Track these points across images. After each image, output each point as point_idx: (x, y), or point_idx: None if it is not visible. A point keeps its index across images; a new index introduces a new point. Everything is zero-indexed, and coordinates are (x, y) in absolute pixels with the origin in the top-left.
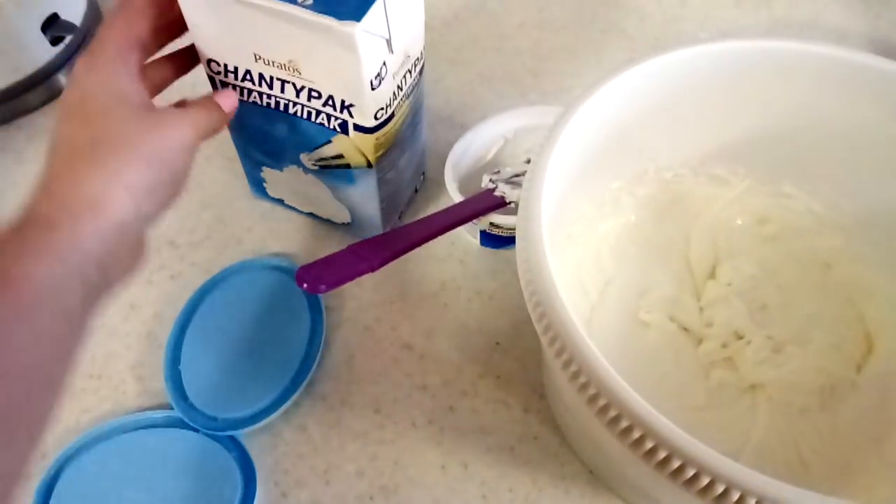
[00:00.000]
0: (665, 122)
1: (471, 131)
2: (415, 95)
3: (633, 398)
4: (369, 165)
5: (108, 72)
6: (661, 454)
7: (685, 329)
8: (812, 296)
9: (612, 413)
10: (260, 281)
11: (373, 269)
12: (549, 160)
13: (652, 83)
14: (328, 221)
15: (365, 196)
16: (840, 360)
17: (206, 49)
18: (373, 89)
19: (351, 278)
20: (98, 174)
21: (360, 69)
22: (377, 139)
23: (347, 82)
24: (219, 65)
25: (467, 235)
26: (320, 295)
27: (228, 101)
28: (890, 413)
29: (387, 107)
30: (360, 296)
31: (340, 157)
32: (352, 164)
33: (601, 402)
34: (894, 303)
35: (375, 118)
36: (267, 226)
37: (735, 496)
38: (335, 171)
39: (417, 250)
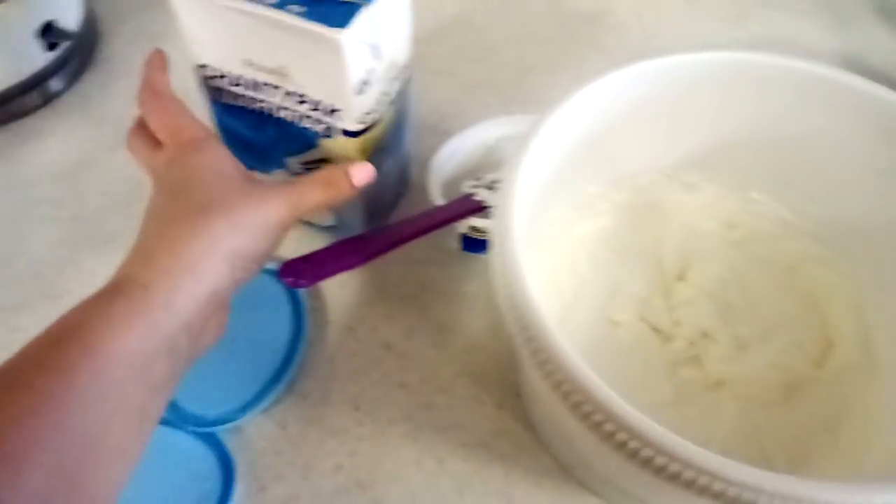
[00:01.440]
0: (639, 130)
1: (454, 138)
2: (401, 102)
3: (604, 392)
4: None
5: (211, 147)
6: (632, 445)
7: (655, 328)
8: (776, 297)
9: (586, 408)
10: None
11: (355, 266)
12: (523, 165)
13: (625, 92)
14: (312, 224)
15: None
16: (801, 357)
17: (198, 54)
18: (358, 94)
19: (333, 274)
20: (198, 241)
21: (345, 75)
22: (362, 144)
23: (334, 87)
24: (210, 70)
25: (448, 239)
26: (303, 296)
27: (363, 174)
28: (845, 406)
29: (372, 112)
30: (342, 297)
31: (326, 160)
32: None
33: (575, 397)
34: (853, 305)
35: (361, 123)
36: None
37: (703, 481)
38: None
39: (398, 254)
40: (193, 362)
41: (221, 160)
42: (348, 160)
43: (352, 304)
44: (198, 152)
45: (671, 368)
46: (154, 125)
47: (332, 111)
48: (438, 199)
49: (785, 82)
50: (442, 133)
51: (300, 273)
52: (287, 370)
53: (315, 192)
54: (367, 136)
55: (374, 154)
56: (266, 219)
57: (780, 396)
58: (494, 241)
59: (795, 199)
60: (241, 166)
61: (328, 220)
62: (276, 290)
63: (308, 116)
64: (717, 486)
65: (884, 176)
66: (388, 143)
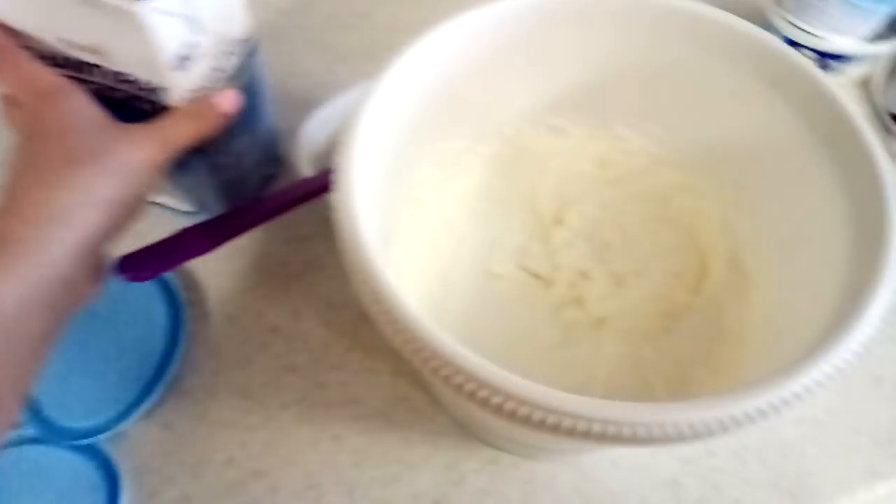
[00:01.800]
0: (497, 77)
1: (322, 108)
2: (246, 77)
3: (440, 340)
4: (196, 150)
5: (68, 94)
6: (476, 390)
7: (536, 275)
8: (652, 230)
9: (434, 363)
10: (112, 285)
11: (203, 253)
12: (362, 122)
13: (473, 39)
14: (180, 216)
15: (200, 181)
16: (679, 286)
17: (21, 36)
18: (179, 71)
19: (180, 262)
20: (67, 191)
21: (156, 50)
22: None
23: (150, 64)
24: (34, 52)
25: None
26: (179, 290)
27: (228, 101)
28: (721, 328)
29: (202, 89)
30: (221, 287)
31: None
32: None
33: (423, 354)
34: (724, 228)
35: (187, 99)
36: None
37: (546, 417)
38: None
39: (280, 232)
40: (73, 315)
41: (82, 106)
42: None
43: (233, 291)
44: (56, 100)
45: (555, 312)
46: (7, 82)
47: (157, 89)
48: (309, 172)
49: (635, 16)
50: (318, 106)
51: (140, 266)
52: (167, 369)
53: (182, 127)
54: None
55: (222, 132)
56: (135, 161)
57: (660, 327)
58: (335, 206)
59: (658, 132)
60: (103, 111)
61: (187, 206)
62: (148, 289)
63: (137, 97)
64: (551, 419)
65: (733, 98)
66: (236, 121)
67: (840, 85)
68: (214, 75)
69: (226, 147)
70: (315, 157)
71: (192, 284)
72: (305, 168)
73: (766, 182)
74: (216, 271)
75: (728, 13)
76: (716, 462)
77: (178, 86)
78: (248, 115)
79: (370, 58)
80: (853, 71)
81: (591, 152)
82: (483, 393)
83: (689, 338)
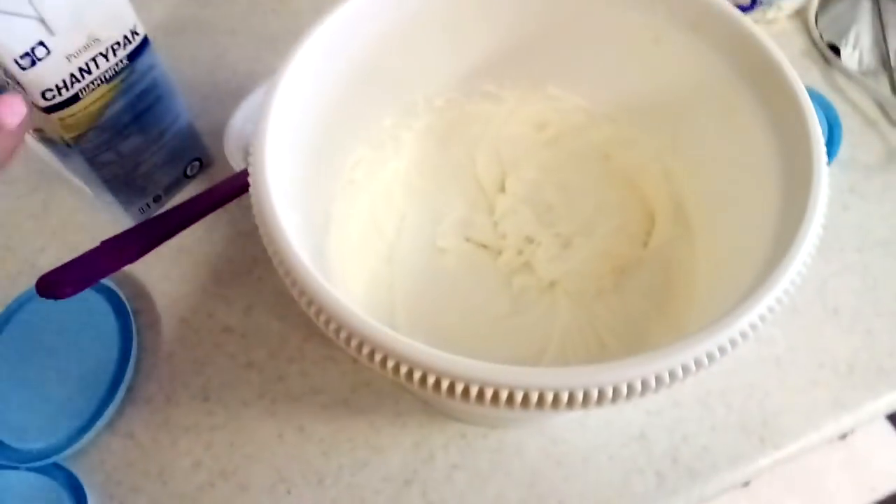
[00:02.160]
0: (415, 49)
1: (248, 98)
2: (131, 79)
3: (343, 307)
4: (68, 145)
5: None
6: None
7: (483, 246)
8: (595, 187)
9: (343, 334)
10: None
11: (128, 263)
12: (272, 113)
13: (385, 11)
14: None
15: (85, 174)
16: (626, 241)
17: None
18: (26, 69)
19: (104, 275)
20: None
21: None
22: (62, 120)
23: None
24: None
25: None
26: (124, 299)
27: (12, 110)
28: (668, 280)
29: (59, 89)
30: (169, 291)
31: (41, 130)
32: (55, 140)
33: (332, 325)
34: (665, 178)
35: (45, 98)
36: (62, 241)
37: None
38: (51, 144)
39: (224, 229)
40: None
41: None
42: (61, 136)
43: (181, 293)
44: None
45: (505, 281)
46: None
47: (17, 84)
48: (241, 165)
49: None
50: (245, 97)
51: (62, 283)
52: (121, 379)
53: None
54: (66, 112)
55: (93, 132)
56: None
57: (610, 285)
58: (252, 192)
59: (590, 88)
60: None
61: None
62: (95, 303)
63: (6, 85)
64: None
65: (657, 45)
66: (118, 121)
67: (776, 19)
68: (78, 76)
69: (107, 145)
70: (246, 150)
71: (138, 292)
72: (236, 161)
73: (699, 128)
74: (162, 275)
75: None
76: (681, 412)
77: (32, 85)
78: (145, 116)
79: (297, 42)
80: (789, 4)
81: (527, 114)
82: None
83: (640, 293)
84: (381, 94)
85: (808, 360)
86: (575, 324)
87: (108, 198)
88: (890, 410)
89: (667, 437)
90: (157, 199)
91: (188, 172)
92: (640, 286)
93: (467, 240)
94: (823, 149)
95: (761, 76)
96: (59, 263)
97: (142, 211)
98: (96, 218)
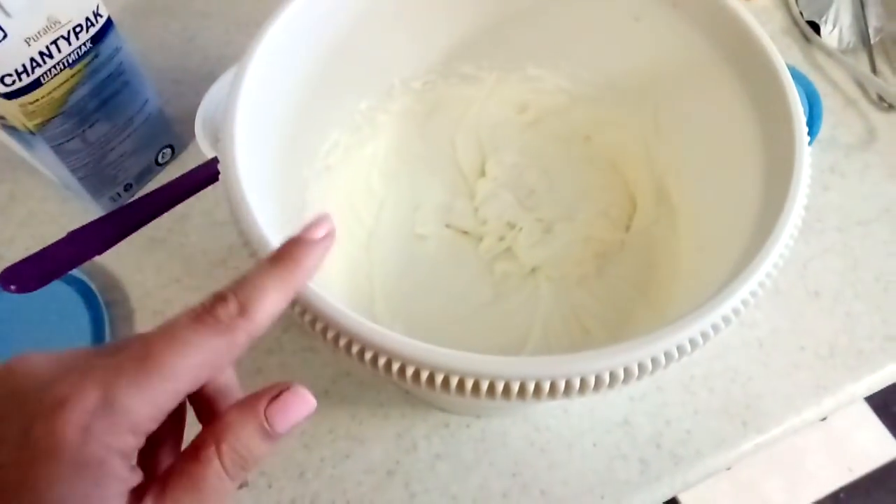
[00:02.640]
0: (392, 29)
1: (217, 82)
2: (95, 63)
3: (327, 303)
4: (32, 132)
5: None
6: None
7: (464, 232)
8: (576, 170)
9: (319, 325)
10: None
11: (97, 253)
12: (240, 99)
13: None
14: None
15: (51, 163)
16: (608, 225)
17: None
18: None
19: (70, 267)
20: None
21: None
22: (23, 107)
23: None
24: None
25: None
26: (97, 291)
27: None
28: (651, 264)
29: (19, 74)
30: (143, 282)
31: (3, 118)
32: (18, 128)
33: (297, 307)
34: (647, 159)
35: (4, 84)
36: (29, 233)
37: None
38: (14, 132)
39: (199, 219)
40: None
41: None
42: (21, 122)
43: (156, 286)
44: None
45: (486, 267)
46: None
47: None
48: (211, 152)
49: None
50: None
51: (23, 276)
52: None
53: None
54: (28, 98)
55: (58, 118)
56: None
57: (592, 269)
58: (222, 182)
59: (571, 68)
60: None
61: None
62: (66, 295)
63: None
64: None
65: (637, 22)
66: (82, 107)
67: None
68: (43, 60)
69: (72, 132)
70: (215, 136)
71: (112, 283)
72: (207, 148)
73: (681, 107)
74: (136, 267)
75: None
76: (665, 397)
77: None
78: (112, 101)
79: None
80: None
81: (507, 96)
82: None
83: (623, 277)
84: (355, 77)
85: (789, 342)
86: (557, 310)
87: (77, 187)
88: (869, 393)
89: (650, 423)
90: (127, 188)
91: (159, 160)
92: (623, 271)
93: (447, 226)
94: (805, 129)
95: (742, 54)
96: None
97: (112, 200)
98: (66, 207)
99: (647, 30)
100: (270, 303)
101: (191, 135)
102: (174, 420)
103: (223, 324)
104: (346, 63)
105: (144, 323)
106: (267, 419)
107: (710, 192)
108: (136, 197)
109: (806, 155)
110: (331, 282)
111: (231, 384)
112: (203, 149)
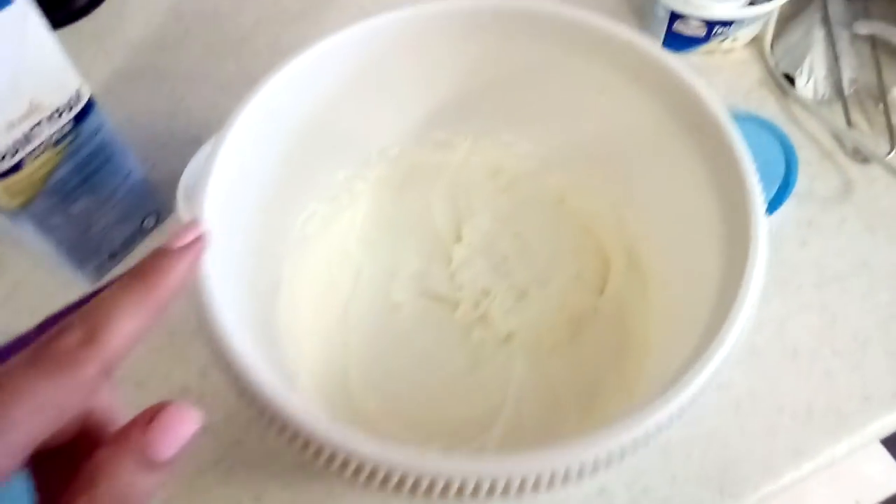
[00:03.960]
0: (371, 101)
1: (200, 150)
2: (77, 142)
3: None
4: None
5: None
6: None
7: (440, 299)
8: (550, 234)
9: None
10: None
11: None
12: (212, 174)
13: (331, 65)
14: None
15: (35, 238)
16: (582, 289)
17: None
18: None
19: None
20: None
21: None
22: (6, 188)
23: None
24: None
25: None
26: None
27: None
28: (624, 332)
29: (2, 157)
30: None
31: None
32: (1, 206)
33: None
34: (619, 225)
35: None
36: (15, 305)
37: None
38: None
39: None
40: None
41: None
42: (7, 203)
43: (138, 356)
44: None
45: (462, 335)
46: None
47: None
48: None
49: (491, 25)
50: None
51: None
52: None
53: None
54: (11, 180)
55: (41, 197)
56: None
57: (566, 335)
58: None
59: (543, 134)
60: None
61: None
62: None
63: None
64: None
65: (602, 95)
66: (65, 185)
67: (732, 49)
68: (22, 143)
69: (55, 208)
70: None
71: None
72: (188, 216)
73: (649, 174)
74: None
75: (579, 9)
76: (642, 463)
77: None
78: (89, 178)
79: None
80: (745, 33)
81: (482, 162)
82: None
83: (595, 345)
84: (332, 148)
85: (767, 404)
86: (530, 379)
87: (61, 259)
88: (849, 455)
89: (626, 491)
90: (112, 256)
91: (144, 225)
92: (596, 338)
93: (423, 293)
94: (761, 205)
95: (699, 127)
96: (11, 329)
97: (97, 269)
98: (52, 278)
99: (612, 102)
100: (126, 324)
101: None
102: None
103: (62, 359)
104: (323, 137)
105: (128, 394)
106: (146, 448)
107: (677, 261)
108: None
109: (762, 234)
110: (305, 354)
111: (112, 416)
112: (182, 217)
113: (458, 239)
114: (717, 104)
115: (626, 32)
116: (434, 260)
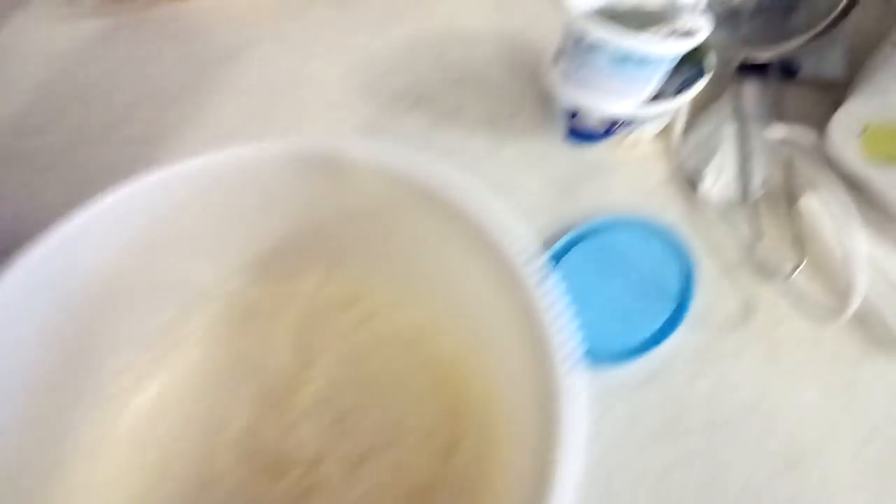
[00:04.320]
0: (196, 234)
1: None
2: None
3: None
4: None
5: None
6: None
7: (267, 467)
8: (400, 383)
9: None
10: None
11: None
12: None
13: (156, 200)
14: None
15: None
16: (430, 450)
17: None
18: None
19: None
20: None
21: None
22: None
23: None
24: None
25: None
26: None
27: None
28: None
29: None
30: None
31: None
32: None
33: None
34: (477, 373)
35: None
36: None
37: None
38: None
39: None
40: None
41: None
42: None
43: None
44: None
45: None
46: None
47: None
48: None
49: (316, 170)
50: None
51: None
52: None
53: None
54: None
55: None
56: None
57: None
58: None
59: (394, 270)
60: None
61: None
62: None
63: None
64: None
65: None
66: None
67: (638, 144)
68: None
69: None
70: None
71: None
72: None
73: (492, 325)
74: None
75: (413, 160)
76: None
77: None
78: None
79: (124, 175)
80: (651, 129)
81: (330, 294)
82: None
83: None
84: (152, 287)
85: None
86: None
87: None
88: None
89: None
90: None
91: None
92: None
93: (250, 457)
94: (570, 376)
95: (509, 284)
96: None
97: None
98: None
99: (439, 249)
100: None
101: None
102: None
103: None
104: (142, 275)
105: None
106: None
107: (518, 424)
108: None
109: (568, 401)
110: None
111: None
112: None
113: (300, 385)
114: (520, 255)
115: (437, 180)
116: (267, 413)
